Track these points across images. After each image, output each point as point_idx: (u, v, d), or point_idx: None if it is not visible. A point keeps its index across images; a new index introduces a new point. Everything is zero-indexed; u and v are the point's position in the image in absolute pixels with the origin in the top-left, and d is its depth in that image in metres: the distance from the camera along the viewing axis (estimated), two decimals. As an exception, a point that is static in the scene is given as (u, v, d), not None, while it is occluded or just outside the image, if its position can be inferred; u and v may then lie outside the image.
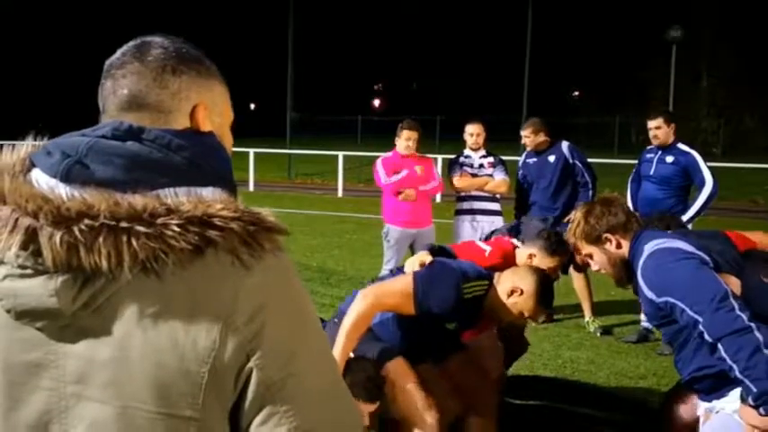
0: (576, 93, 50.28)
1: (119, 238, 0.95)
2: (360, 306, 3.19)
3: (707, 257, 2.72)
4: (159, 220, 0.96)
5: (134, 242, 0.95)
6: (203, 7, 51.96)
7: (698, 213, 6.17)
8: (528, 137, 6.80)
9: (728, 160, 23.27)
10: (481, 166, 6.89)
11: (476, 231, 6.83)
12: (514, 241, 4.24)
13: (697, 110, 33.90)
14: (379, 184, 6.81)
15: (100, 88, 1.14)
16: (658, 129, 6.27)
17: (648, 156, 6.42)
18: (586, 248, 3.10)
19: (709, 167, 6.30)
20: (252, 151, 19.76)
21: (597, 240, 3.04)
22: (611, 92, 37.14)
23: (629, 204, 6.59)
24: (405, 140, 6.62)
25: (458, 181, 6.85)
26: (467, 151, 6.98)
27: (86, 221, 0.95)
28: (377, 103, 59.22)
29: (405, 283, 3.29)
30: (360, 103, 49.39)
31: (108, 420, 0.99)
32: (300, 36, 29.08)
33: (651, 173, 6.31)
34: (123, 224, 0.95)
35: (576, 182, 6.75)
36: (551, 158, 6.75)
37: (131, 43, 1.16)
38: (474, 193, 6.85)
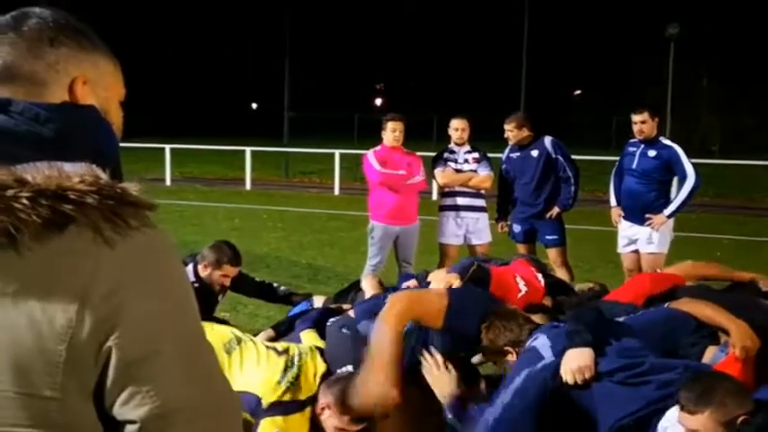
0: (578, 91, 50.17)
1: None
2: (396, 309, 3.20)
3: (549, 360, 2.96)
4: (8, 193, 0.94)
5: None
6: (203, 9, 51.96)
7: (680, 207, 6.15)
8: (511, 131, 6.76)
9: (727, 158, 23.21)
10: (466, 161, 6.84)
11: (459, 228, 6.82)
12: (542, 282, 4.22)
13: (696, 108, 33.84)
14: (368, 178, 6.76)
15: None
16: (644, 123, 6.24)
17: (631, 149, 6.39)
18: (492, 357, 3.36)
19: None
20: (248, 150, 19.73)
21: (500, 353, 3.27)
22: (610, 90, 37.09)
23: (612, 199, 6.58)
24: (391, 132, 6.59)
25: (441, 176, 6.81)
26: (451, 146, 6.94)
27: None
28: (378, 101, 59.01)
29: (439, 295, 3.36)
30: (358, 101, 49.32)
31: None
32: (298, 36, 29.06)
33: (633, 166, 6.28)
34: None
35: (559, 177, 6.71)
36: (534, 153, 6.71)
37: (9, 14, 1.12)
38: (458, 188, 6.80)
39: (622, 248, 6.50)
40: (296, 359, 3.38)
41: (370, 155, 6.68)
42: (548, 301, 4.14)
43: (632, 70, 35.25)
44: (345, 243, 10.85)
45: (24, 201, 0.93)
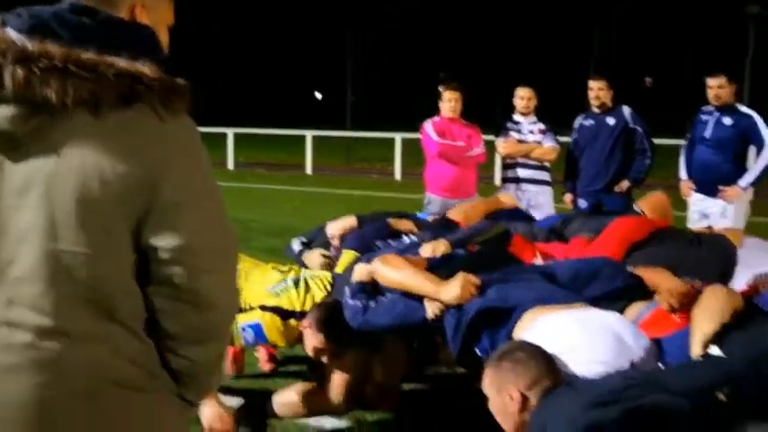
0: (648, 79, 48.63)
1: (67, 77, 1.24)
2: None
3: None
4: (100, 69, 1.26)
5: (78, 82, 1.25)
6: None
7: (757, 179, 5.76)
8: (601, 89, 6.40)
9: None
10: (530, 132, 6.62)
11: (520, 201, 6.49)
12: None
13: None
14: (426, 149, 6.62)
15: None
16: (721, 88, 5.87)
17: (704, 117, 6.01)
18: None
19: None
20: (309, 134, 19.74)
21: None
22: (685, 76, 35.84)
23: (683, 171, 6.22)
24: (447, 102, 6.44)
25: (503, 146, 6.58)
26: (516, 116, 6.72)
27: (44, 61, 1.24)
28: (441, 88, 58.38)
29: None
30: (422, 86, 48.86)
31: (39, 225, 1.27)
32: (363, 21, 28.99)
33: (707, 135, 5.91)
34: (71, 67, 1.25)
35: (634, 149, 6.36)
36: (611, 121, 6.38)
37: None
38: (521, 160, 6.57)
39: (694, 224, 6.13)
40: (294, 281, 3.75)
41: (428, 125, 6.52)
42: None
43: (708, 54, 33.99)
44: (405, 224, 10.67)
45: (111, 77, 1.27)
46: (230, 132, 20.43)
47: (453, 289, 3.00)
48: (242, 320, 3.60)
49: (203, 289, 1.35)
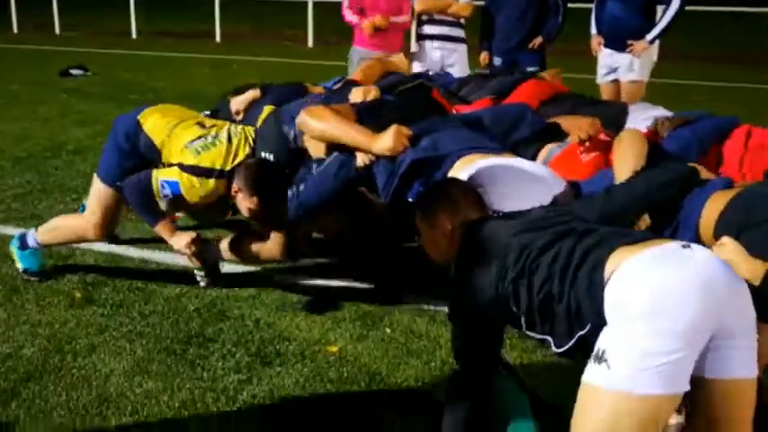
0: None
1: None
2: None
3: None
4: None
5: None
6: None
7: (663, 32, 5.90)
8: None
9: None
10: None
11: (434, 60, 6.54)
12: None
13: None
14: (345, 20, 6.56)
15: None
16: None
17: None
18: None
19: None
20: (217, -2, 18.83)
21: None
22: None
23: (593, 27, 6.32)
24: None
25: (419, 1, 6.50)
26: None
27: None
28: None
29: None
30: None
31: None
32: None
33: None
34: None
35: (548, 5, 6.38)
36: None
37: None
38: (436, 16, 6.49)
39: (602, 78, 6.30)
40: (215, 136, 3.63)
41: (346, 7, 6.44)
42: None
43: None
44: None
45: None
46: (131, -4, 19.27)
47: (386, 141, 2.98)
48: (162, 176, 3.56)
49: None
